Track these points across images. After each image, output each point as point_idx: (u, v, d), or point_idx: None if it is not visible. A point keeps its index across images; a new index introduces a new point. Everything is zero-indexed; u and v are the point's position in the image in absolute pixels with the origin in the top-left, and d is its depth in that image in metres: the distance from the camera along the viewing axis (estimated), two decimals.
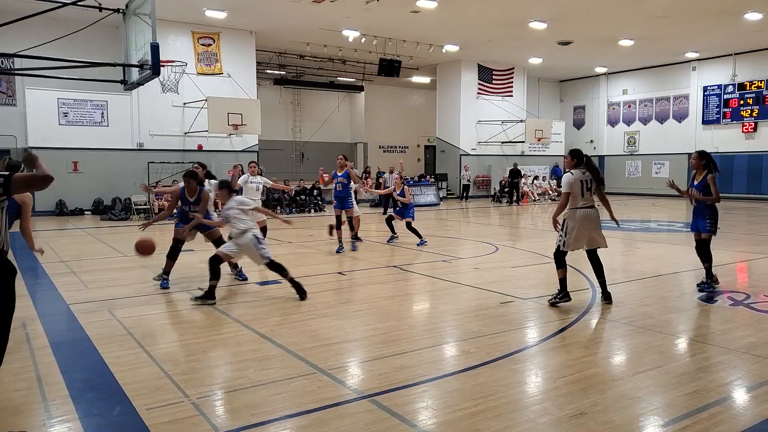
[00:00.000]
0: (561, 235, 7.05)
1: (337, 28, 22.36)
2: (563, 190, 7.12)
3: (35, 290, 8.26)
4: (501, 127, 30.08)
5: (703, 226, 8.03)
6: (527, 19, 21.27)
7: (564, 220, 7.08)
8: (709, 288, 8.04)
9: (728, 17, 20.88)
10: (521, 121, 29.73)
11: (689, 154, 29.03)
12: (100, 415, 4.14)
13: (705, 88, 28.90)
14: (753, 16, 20.50)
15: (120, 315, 6.78)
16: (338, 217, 11.72)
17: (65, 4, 8.92)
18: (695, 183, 8.05)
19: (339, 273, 9.48)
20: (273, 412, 4.12)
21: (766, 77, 26.72)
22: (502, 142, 30.34)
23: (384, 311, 7.04)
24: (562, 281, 7.07)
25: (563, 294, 7.07)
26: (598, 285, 7.29)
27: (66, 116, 20.32)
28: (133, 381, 4.67)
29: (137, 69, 9.20)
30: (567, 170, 7.32)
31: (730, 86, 27.92)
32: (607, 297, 7.20)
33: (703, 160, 7.96)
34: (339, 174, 11.75)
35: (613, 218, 7.65)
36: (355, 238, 12.39)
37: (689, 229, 8.70)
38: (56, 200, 20.12)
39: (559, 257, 7.09)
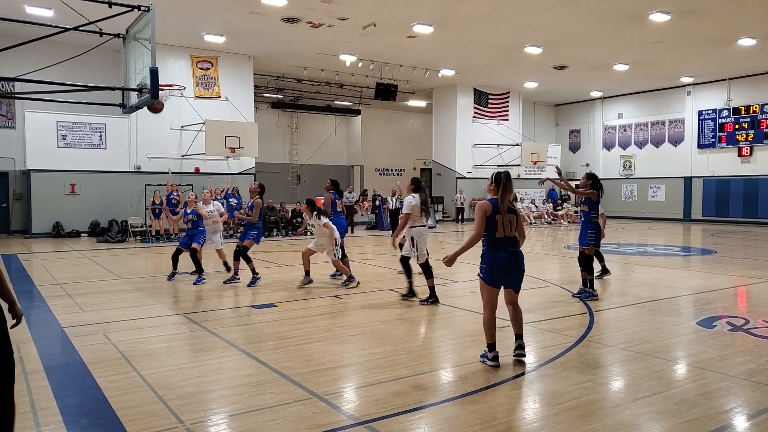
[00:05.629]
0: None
1: (334, 52, 22.58)
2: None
3: (30, 313, 8.21)
4: (497, 150, 30.26)
5: (584, 241, 9.21)
6: (522, 45, 21.50)
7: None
8: (586, 296, 8.92)
9: (722, 44, 21.15)
10: (517, 144, 29.91)
11: (685, 178, 29.52)
12: None
13: (700, 113, 29.15)
14: (746, 42, 20.75)
15: (115, 338, 6.74)
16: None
17: (66, 30, 8.96)
18: (583, 199, 9.41)
19: (335, 296, 9.45)
20: None
21: (761, 102, 26.97)
22: (498, 165, 30.41)
23: (380, 336, 7.01)
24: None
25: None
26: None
27: (65, 139, 20.39)
28: (127, 406, 4.63)
29: (136, 92, 9.24)
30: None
31: (725, 110, 28.17)
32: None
33: (590, 181, 9.27)
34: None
35: None
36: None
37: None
38: (53, 222, 20.11)
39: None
